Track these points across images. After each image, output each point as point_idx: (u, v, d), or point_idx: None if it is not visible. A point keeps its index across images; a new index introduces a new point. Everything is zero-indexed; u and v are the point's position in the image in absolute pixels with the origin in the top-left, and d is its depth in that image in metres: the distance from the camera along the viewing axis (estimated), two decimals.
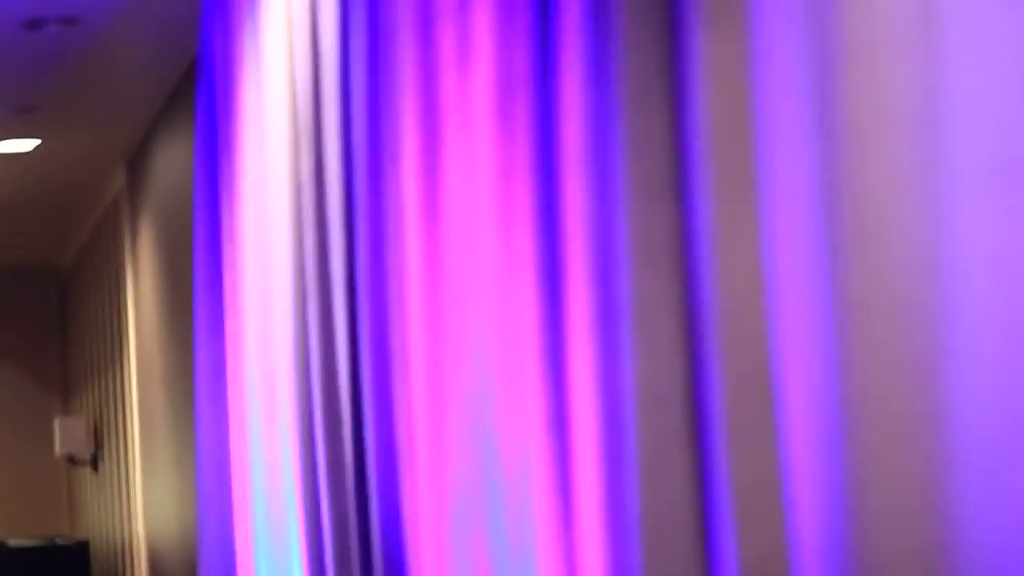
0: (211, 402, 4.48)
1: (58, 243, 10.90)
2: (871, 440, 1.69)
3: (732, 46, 1.96)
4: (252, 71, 4.41)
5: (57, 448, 10.34)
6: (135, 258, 8.02)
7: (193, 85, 5.94)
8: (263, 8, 4.24)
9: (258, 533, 3.84)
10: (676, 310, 2.01)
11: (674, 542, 1.92)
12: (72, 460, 11.17)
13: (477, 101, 2.51)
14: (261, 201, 4.13)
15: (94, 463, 10.14)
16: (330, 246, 3.45)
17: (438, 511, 2.57)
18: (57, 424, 10.27)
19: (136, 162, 8.15)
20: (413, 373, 2.73)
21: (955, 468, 1.58)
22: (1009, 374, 1.49)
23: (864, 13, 1.73)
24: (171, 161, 7.04)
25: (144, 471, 7.70)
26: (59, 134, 7.65)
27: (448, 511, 2.52)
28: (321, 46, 3.62)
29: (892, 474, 1.67)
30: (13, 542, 10.37)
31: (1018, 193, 1.48)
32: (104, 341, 9.32)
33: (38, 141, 7.76)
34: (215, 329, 4.58)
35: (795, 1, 1.84)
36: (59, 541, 10.40)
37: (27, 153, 8.01)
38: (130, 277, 8.13)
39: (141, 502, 7.77)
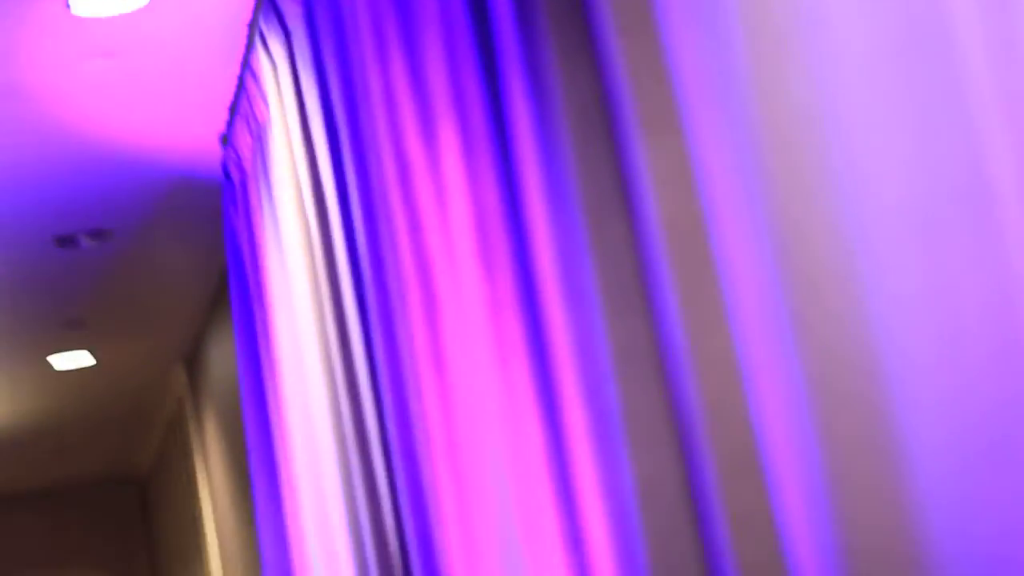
0: (276, 567, 4.56)
1: (133, 449, 11.09)
2: (858, 505, 1.74)
3: (673, 152, 2.06)
4: (274, 251, 4.58)
5: None
6: (205, 453, 8.16)
7: None
8: (276, 190, 4.42)
9: None
10: (662, 409, 2.08)
11: None
12: None
13: (460, 243, 2.63)
14: (299, 375, 4.26)
15: None
16: (363, 409, 3.55)
17: None
18: None
19: (193, 360, 8.33)
20: (446, 514, 2.81)
21: (933, 524, 1.62)
22: (964, 412, 1.55)
23: (784, 107, 1.82)
24: (225, 352, 7.22)
25: None
26: (112, 345, 7.85)
27: None
28: (328, 216, 3.77)
29: (882, 536, 1.71)
30: None
31: (940, 247, 1.56)
32: (187, 539, 9.44)
33: (92, 355, 7.96)
34: (275, 509, 4.67)
35: (723, 102, 1.94)
36: None
37: (87, 367, 8.21)
38: (202, 472, 8.27)
39: None
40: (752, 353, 1.92)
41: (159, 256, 6.69)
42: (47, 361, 7.86)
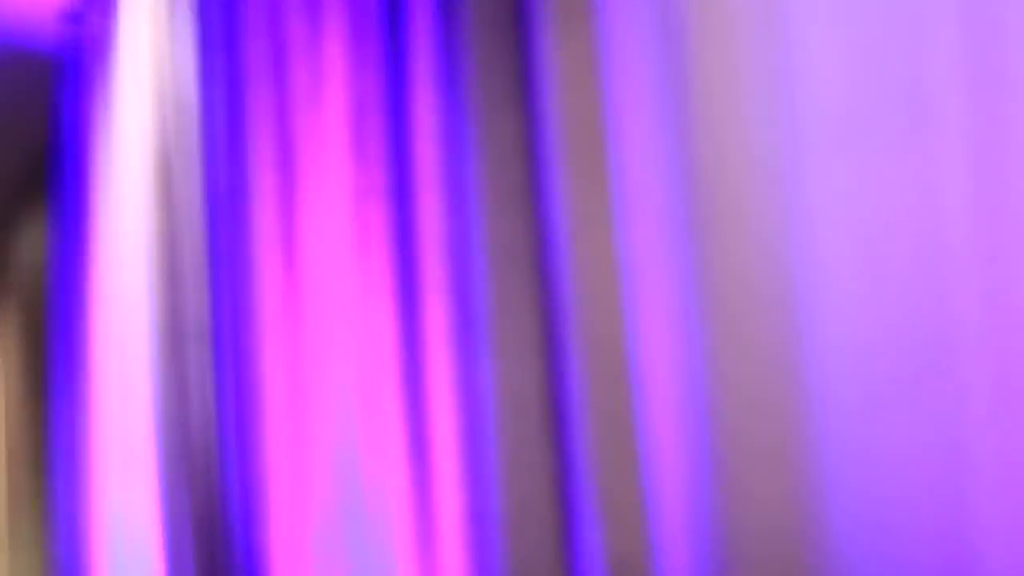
0: (68, 469, 4.37)
1: None
2: (734, 427, 1.68)
3: (581, 52, 1.98)
4: (112, 137, 4.37)
5: None
6: (2, 344, 7.84)
7: (53, 159, 5.86)
8: (118, 74, 4.21)
9: None
10: (534, 312, 2.00)
11: (537, 540, 1.89)
12: None
13: (331, 129, 2.50)
14: (118, 261, 4.06)
15: None
16: (186, 296, 3.39)
17: (300, 540, 2.50)
18: None
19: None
20: (272, 406, 2.68)
21: (817, 452, 1.58)
22: (863, 344, 1.50)
23: (708, 7, 1.75)
24: (33, 240, 6.93)
25: (11, 554, 7.48)
26: None
27: (310, 538, 2.46)
28: (181, 100, 3.59)
29: (756, 460, 1.66)
30: None
31: (864, 172, 1.51)
32: None
33: None
34: (72, 396, 4.47)
35: (640, 6, 1.86)
36: None
37: None
38: None
39: None
40: (637, 262, 1.84)
41: None
42: None
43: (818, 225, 1.54)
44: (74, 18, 5.08)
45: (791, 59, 1.58)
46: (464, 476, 2.03)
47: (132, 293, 3.80)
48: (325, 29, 2.61)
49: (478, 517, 1.99)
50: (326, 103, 2.54)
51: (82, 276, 4.55)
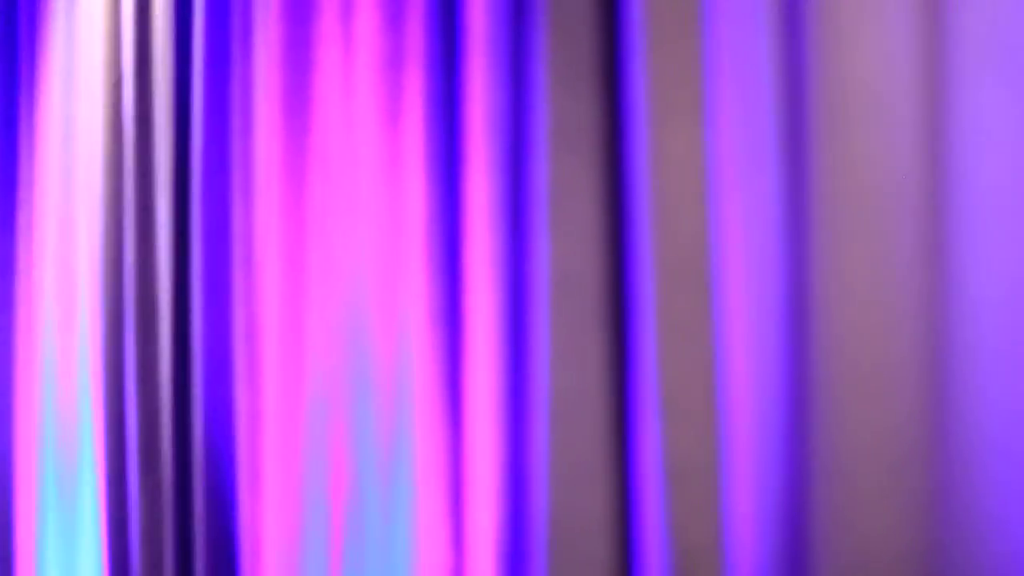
0: None
1: None
2: (836, 348, 1.59)
3: None
4: None
5: None
6: None
7: None
8: None
9: (46, 439, 3.56)
10: (601, 198, 1.90)
11: (588, 434, 1.81)
12: None
13: None
14: (68, 91, 3.83)
15: None
16: (154, 127, 3.19)
17: (289, 402, 2.37)
18: None
19: None
20: (261, 257, 2.52)
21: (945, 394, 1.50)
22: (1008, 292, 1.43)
23: None
24: None
25: None
26: None
27: (303, 402, 2.33)
28: None
29: (856, 386, 1.58)
30: None
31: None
32: None
33: None
34: (4, 234, 4.24)
35: None
36: None
37: None
38: None
39: None
40: (730, 161, 1.75)
41: None
42: None
43: (965, 157, 1.45)
44: None
45: None
46: (503, 355, 1.93)
47: (86, 121, 3.58)
48: None
49: (517, 401, 1.91)
50: None
51: (25, 101, 4.29)
